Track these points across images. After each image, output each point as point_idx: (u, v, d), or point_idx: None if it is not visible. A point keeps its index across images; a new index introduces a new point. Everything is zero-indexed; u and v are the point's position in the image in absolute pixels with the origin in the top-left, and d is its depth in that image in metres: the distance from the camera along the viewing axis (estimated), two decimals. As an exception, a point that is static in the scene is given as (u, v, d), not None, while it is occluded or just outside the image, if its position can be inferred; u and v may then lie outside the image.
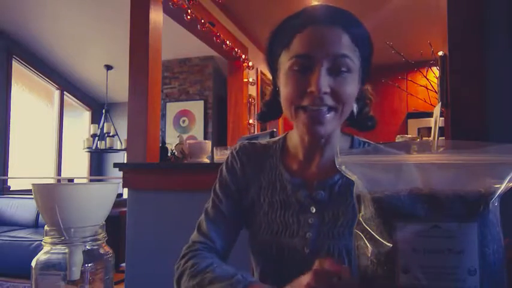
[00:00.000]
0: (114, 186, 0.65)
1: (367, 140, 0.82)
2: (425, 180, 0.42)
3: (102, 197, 0.63)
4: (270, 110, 0.83)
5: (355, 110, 0.76)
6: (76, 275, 0.56)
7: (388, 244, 0.41)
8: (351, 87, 0.69)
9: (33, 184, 0.59)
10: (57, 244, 0.57)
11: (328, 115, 0.68)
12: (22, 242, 3.58)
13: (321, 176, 0.76)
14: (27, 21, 4.45)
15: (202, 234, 0.80)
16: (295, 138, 0.79)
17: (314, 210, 0.74)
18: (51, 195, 0.58)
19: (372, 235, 0.43)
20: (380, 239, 0.42)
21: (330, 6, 0.71)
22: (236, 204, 0.82)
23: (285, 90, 0.71)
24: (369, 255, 0.43)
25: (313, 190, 0.75)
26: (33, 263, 0.57)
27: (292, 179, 0.77)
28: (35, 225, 4.08)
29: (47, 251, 0.58)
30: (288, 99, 0.70)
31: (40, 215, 4.10)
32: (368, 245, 0.43)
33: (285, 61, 0.70)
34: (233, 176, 0.83)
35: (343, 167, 0.46)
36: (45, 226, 0.59)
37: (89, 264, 0.58)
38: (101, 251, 0.61)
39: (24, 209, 4.16)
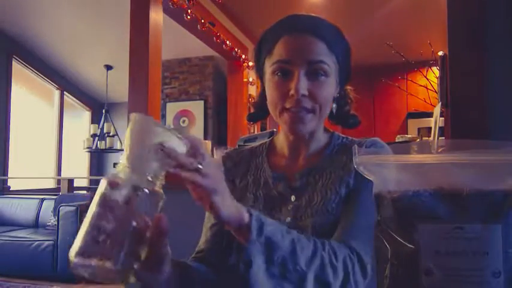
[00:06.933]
0: None
1: (345, 136, 0.87)
2: (447, 179, 0.40)
3: None
4: (258, 111, 0.89)
5: (333, 109, 0.82)
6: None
7: (410, 246, 0.40)
8: (328, 90, 0.76)
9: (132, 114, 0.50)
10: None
11: (308, 116, 0.74)
12: (22, 242, 3.57)
13: (305, 167, 0.81)
14: (27, 21, 4.46)
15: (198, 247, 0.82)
16: (281, 136, 0.85)
17: (294, 199, 0.78)
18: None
19: (391, 236, 0.42)
20: (401, 240, 0.40)
21: (308, 17, 0.78)
22: None
23: (269, 94, 0.78)
24: (389, 256, 0.42)
25: (294, 180, 0.80)
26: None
27: (273, 173, 0.82)
28: (35, 225, 4.08)
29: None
30: (272, 102, 0.77)
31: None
32: (388, 246, 0.42)
33: (268, 67, 0.77)
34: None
35: (360, 167, 0.45)
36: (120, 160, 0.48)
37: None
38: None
39: (24, 209, 4.15)
